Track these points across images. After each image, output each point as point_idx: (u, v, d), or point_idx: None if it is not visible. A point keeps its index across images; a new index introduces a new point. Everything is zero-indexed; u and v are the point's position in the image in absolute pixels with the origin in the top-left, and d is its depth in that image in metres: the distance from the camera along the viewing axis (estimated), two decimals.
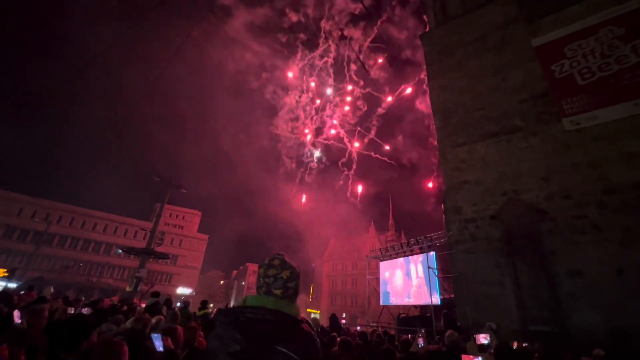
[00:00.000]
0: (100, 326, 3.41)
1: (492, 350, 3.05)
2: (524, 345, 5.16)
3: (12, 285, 18.46)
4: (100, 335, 2.87)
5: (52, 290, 6.25)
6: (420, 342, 3.55)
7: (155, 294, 5.89)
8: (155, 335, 2.12)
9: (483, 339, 3.33)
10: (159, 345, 2.05)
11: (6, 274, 19.45)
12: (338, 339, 3.08)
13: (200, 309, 5.71)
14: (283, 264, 1.27)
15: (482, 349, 3.30)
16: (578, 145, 9.83)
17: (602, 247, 8.45)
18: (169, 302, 6.13)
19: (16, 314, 1.94)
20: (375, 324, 13.29)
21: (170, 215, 52.56)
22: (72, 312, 4.32)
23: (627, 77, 9.71)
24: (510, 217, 10.23)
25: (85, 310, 4.30)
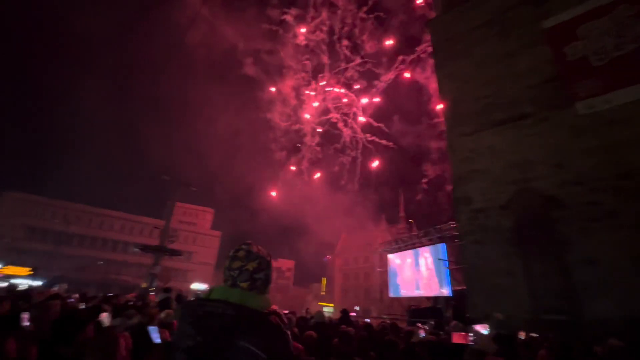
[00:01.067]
0: (114, 320, 3.58)
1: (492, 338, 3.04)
2: (532, 335, 5.10)
3: (38, 283, 19.31)
4: (112, 328, 3.01)
5: (66, 287, 6.51)
6: (422, 333, 3.57)
7: (167, 290, 6.08)
8: (152, 327, 2.19)
9: (481, 328, 3.31)
10: (155, 337, 2.13)
11: (31, 272, 20.33)
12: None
13: None
14: (248, 255, 1.22)
15: None
16: (591, 129, 9.49)
17: (617, 234, 8.20)
18: (180, 297, 6.31)
19: (24, 316, 2.03)
20: (386, 316, 13.34)
21: (184, 213, 53.61)
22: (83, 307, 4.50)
23: None
24: (520, 206, 10.02)
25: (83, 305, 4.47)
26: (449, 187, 12.66)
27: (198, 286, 43.90)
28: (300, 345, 3.01)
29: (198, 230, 51.31)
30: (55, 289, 7.21)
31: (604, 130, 9.27)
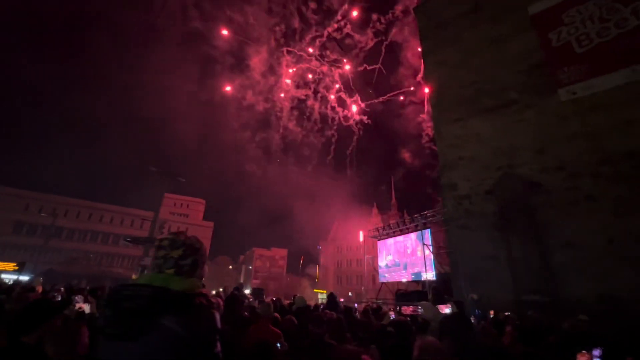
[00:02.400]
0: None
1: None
2: (506, 314, 5.32)
3: (25, 278, 19.09)
4: (80, 319, 3.04)
5: (41, 280, 6.51)
6: (392, 315, 3.71)
7: None
8: None
9: (445, 308, 3.47)
10: None
11: (16, 268, 20.09)
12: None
13: None
14: (172, 244, 1.27)
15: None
16: (574, 116, 9.66)
17: (595, 217, 8.49)
18: None
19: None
20: (376, 300, 13.69)
21: (175, 204, 53.27)
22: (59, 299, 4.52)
23: (626, 42, 9.38)
24: (504, 191, 10.24)
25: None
26: (435, 173, 12.83)
27: None
28: (278, 330, 3.10)
29: (190, 222, 51.12)
30: (33, 282, 7.22)
31: (585, 116, 9.44)
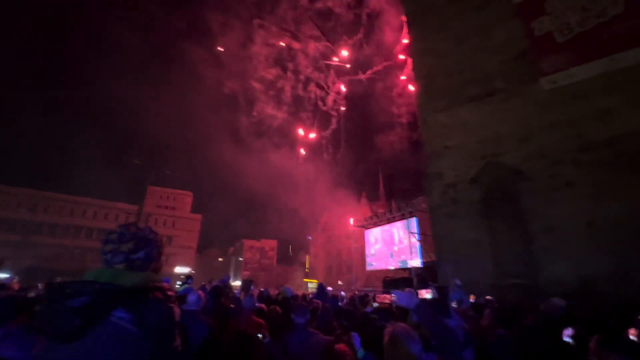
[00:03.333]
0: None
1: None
2: (487, 298, 5.49)
3: (4, 275, 18.50)
4: None
5: (16, 278, 6.30)
6: (376, 303, 3.75)
7: None
8: None
9: (425, 293, 3.54)
10: None
11: None
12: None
13: (181, 285, 5.86)
14: (122, 237, 1.19)
15: None
16: (556, 104, 9.84)
17: (575, 203, 8.76)
18: None
19: None
20: (367, 289, 13.94)
21: (161, 197, 52.26)
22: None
23: (606, 32, 9.54)
24: (489, 179, 10.43)
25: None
26: (419, 162, 12.94)
27: (181, 269, 43.78)
28: (261, 320, 3.09)
29: (177, 215, 50.39)
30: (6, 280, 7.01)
31: (567, 105, 9.63)
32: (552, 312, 3.27)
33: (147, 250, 1.21)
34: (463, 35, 12.56)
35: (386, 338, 1.55)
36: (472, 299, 5.33)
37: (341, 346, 1.94)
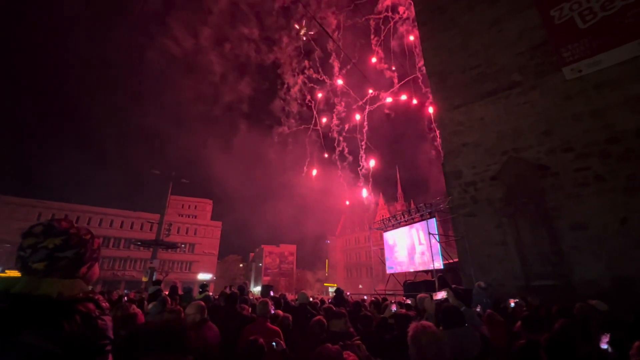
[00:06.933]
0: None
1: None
2: (516, 300, 5.19)
3: None
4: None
5: None
6: (393, 308, 3.62)
7: (157, 282, 6.13)
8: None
9: (439, 295, 3.39)
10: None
11: None
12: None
13: (200, 293, 5.93)
14: (48, 231, 0.99)
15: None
16: (579, 94, 9.34)
17: (606, 198, 8.24)
18: (173, 289, 6.37)
19: None
20: (388, 292, 13.64)
21: (183, 206, 53.94)
22: None
23: (632, 14, 8.99)
24: (510, 176, 10.01)
25: None
26: (439, 162, 12.60)
27: (204, 276, 44.78)
28: (277, 328, 3.05)
29: (198, 222, 51.71)
30: None
31: (592, 94, 9.12)
32: (590, 317, 3.04)
33: (77, 250, 1.03)
34: (474, 30, 12.23)
35: (411, 333, 1.52)
36: (512, 302, 5.02)
37: (348, 354, 1.88)
